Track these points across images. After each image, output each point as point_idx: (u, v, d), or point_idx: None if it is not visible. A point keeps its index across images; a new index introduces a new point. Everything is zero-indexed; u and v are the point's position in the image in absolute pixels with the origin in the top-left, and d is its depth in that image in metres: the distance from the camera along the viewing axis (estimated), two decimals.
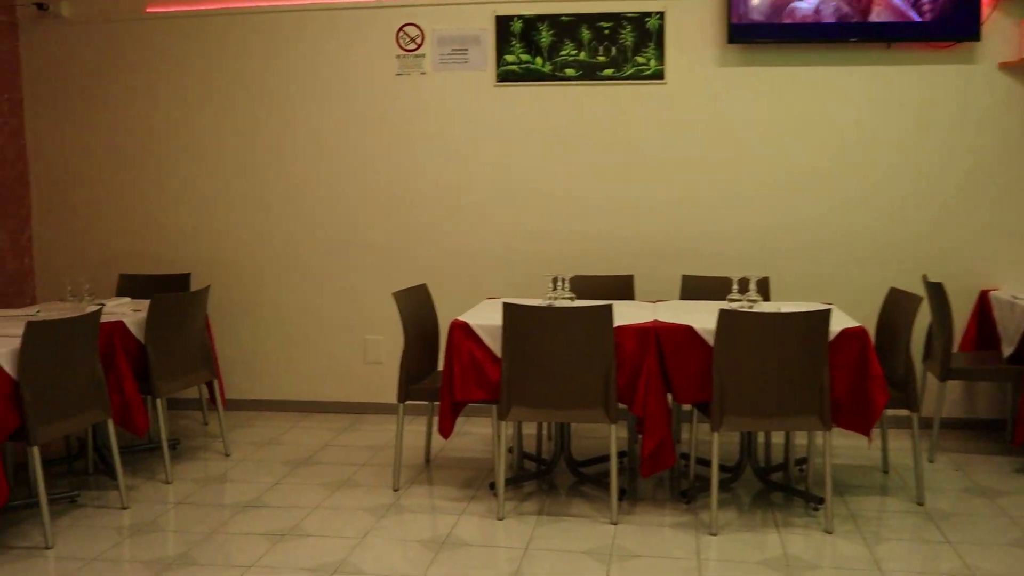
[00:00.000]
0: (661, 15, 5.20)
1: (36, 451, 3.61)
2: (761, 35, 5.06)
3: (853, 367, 3.77)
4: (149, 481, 4.44)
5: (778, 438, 4.85)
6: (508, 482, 4.29)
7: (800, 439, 4.69)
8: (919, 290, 4.87)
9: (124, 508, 4.05)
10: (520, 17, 5.32)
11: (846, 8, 4.95)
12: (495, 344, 3.91)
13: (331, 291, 5.68)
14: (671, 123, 5.29)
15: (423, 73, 5.47)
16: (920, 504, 4.01)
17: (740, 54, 5.19)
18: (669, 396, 3.89)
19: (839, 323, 3.85)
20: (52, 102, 5.82)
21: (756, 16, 5.02)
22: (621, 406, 3.88)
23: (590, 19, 5.26)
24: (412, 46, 5.45)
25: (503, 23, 5.34)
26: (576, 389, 3.82)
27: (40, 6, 5.65)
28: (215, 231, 5.74)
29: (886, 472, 4.46)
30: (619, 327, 3.83)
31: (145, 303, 4.64)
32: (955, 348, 5.02)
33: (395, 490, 4.27)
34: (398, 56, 5.47)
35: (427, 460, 4.74)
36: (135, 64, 5.71)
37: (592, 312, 3.77)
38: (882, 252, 5.19)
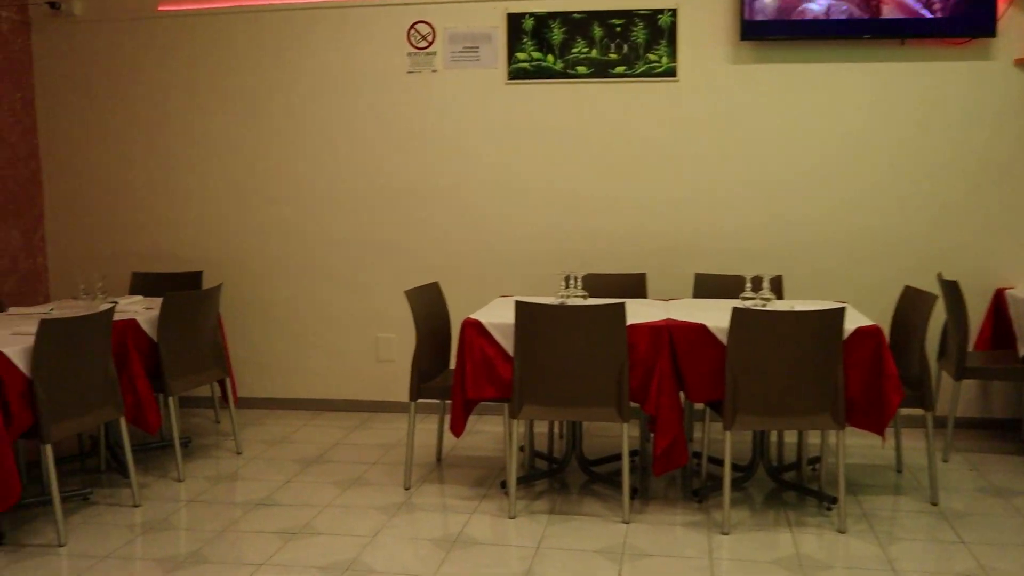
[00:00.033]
0: (673, 12, 5.18)
1: (49, 449, 3.62)
2: (774, 32, 5.04)
3: (867, 366, 3.75)
4: (161, 479, 4.45)
5: (791, 437, 4.83)
6: (520, 481, 4.28)
7: (813, 438, 4.67)
8: (934, 288, 4.85)
9: (136, 506, 4.06)
10: (531, 15, 5.30)
11: (857, 11, 4.91)
12: (507, 342, 3.90)
13: (343, 289, 5.68)
14: (684, 120, 5.27)
15: (434, 71, 5.46)
16: (934, 504, 3.98)
17: (753, 51, 5.17)
18: (681, 395, 3.87)
19: (853, 321, 3.82)
20: (64, 100, 5.84)
21: (769, 13, 4.99)
22: (633, 405, 3.86)
23: (602, 16, 5.25)
24: (423, 44, 5.44)
25: (514, 21, 5.32)
26: (588, 388, 3.81)
27: (52, 4, 5.66)
28: (227, 229, 5.75)
29: (900, 472, 4.44)
30: (632, 325, 3.82)
31: (157, 301, 4.65)
32: (970, 347, 4.99)
33: (406, 488, 4.27)
34: (409, 54, 5.47)
35: (438, 458, 4.73)
36: (147, 62, 5.73)
37: (605, 310, 3.75)
38: (896, 250, 5.16)
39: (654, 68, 5.24)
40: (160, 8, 5.65)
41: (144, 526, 3.82)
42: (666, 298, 4.80)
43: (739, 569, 3.34)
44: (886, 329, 4.01)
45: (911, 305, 4.15)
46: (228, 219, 5.74)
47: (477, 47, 5.38)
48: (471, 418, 5.30)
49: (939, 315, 4.75)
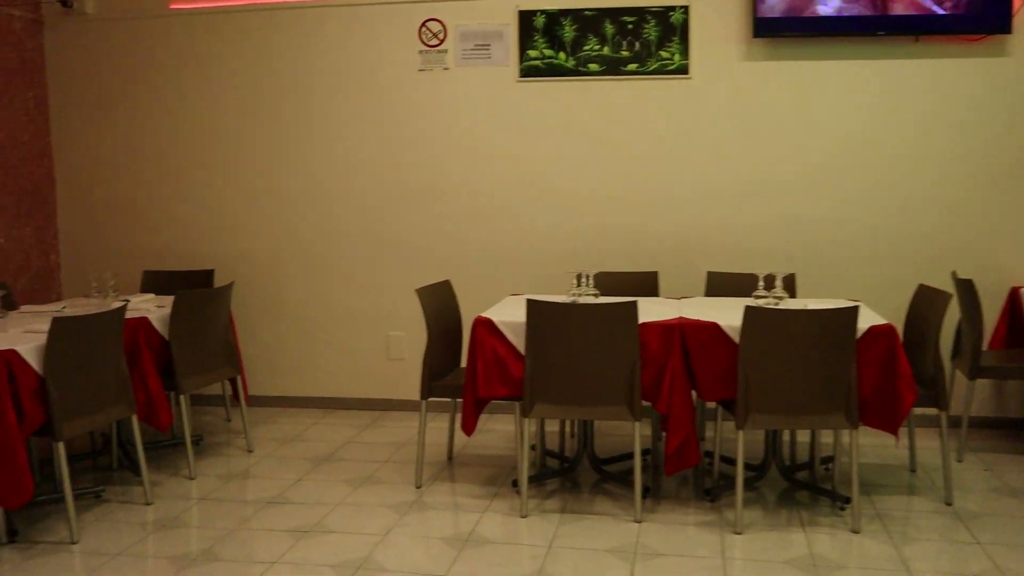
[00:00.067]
0: (685, 9, 5.16)
1: (62, 447, 3.63)
2: (787, 29, 5.01)
3: (881, 365, 3.72)
4: (173, 477, 4.45)
5: (803, 436, 4.81)
6: (531, 480, 4.27)
7: (826, 437, 4.64)
8: (948, 287, 4.81)
9: (148, 504, 4.07)
10: (543, 12, 5.29)
11: (866, 10, 4.88)
12: (519, 341, 3.89)
13: (354, 287, 5.68)
14: (696, 118, 5.24)
15: (446, 69, 5.45)
16: (949, 504, 3.96)
17: (765, 48, 5.14)
18: (694, 393, 3.85)
19: (867, 320, 3.80)
20: (77, 99, 5.86)
21: (781, 10, 4.96)
22: (645, 403, 3.85)
23: (613, 13, 5.23)
24: (435, 41, 5.44)
25: (526, 18, 5.31)
26: (600, 386, 3.80)
27: (64, 3, 5.67)
28: (239, 227, 5.76)
29: (914, 471, 4.41)
30: (644, 324, 3.80)
31: (169, 299, 4.66)
32: (984, 346, 4.95)
33: (418, 487, 4.27)
34: (420, 52, 5.46)
35: (450, 457, 4.73)
36: (159, 60, 5.74)
37: (616, 309, 3.74)
38: (910, 248, 5.12)
39: (666, 65, 5.22)
40: (172, 6, 5.66)
41: (156, 524, 3.83)
42: (678, 296, 4.79)
43: (752, 569, 3.33)
44: (900, 328, 3.98)
45: (925, 304, 4.12)
46: (239, 217, 5.75)
47: (488, 45, 5.37)
48: (482, 417, 5.28)
49: (953, 314, 4.72)
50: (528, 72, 5.35)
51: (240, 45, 5.63)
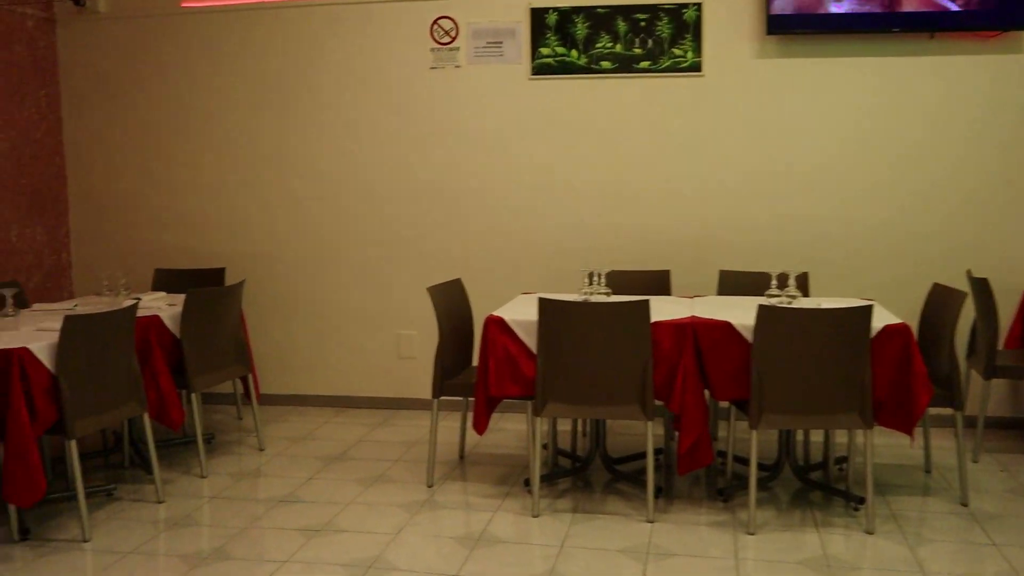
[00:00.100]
0: (698, 6, 5.13)
1: (74, 445, 3.63)
2: (800, 26, 4.97)
3: (895, 364, 3.69)
4: (184, 475, 4.46)
5: (817, 436, 4.78)
6: (543, 479, 4.26)
7: (840, 437, 4.62)
8: (963, 285, 4.78)
9: (160, 502, 4.07)
10: (555, 9, 5.27)
11: (882, 8, 4.85)
12: (530, 339, 3.88)
13: (365, 286, 5.67)
14: (708, 116, 5.21)
15: (457, 67, 5.44)
16: (964, 505, 3.93)
17: (779, 46, 5.11)
18: (706, 393, 3.83)
19: (881, 319, 3.77)
20: (89, 97, 5.87)
21: (795, 7, 4.93)
22: (657, 403, 3.83)
23: (626, 11, 5.20)
24: (446, 39, 5.42)
25: (538, 16, 5.29)
26: (612, 385, 3.78)
27: (77, 2, 5.68)
28: (250, 226, 5.76)
29: (928, 472, 4.37)
30: (656, 323, 3.78)
31: (180, 297, 4.67)
32: (1000, 345, 4.91)
33: (429, 486, 4.26)
34: (432, 49, 5.45)
35: (461, 456, 4.71)
36: (170, 58, 5.74)
37: (629, 307, 3.72)
38: (924, 246, 5.08)
39: (679, 63, 5.19)
40: (184, 4, 5.66)
41: (167, 522, 3.83)
42: (690, 295, 4.76)
43: (765, 570, 3.30)
44: (914, 326, 3.95)
45: (940, 303, 4.09)
46: (251, 216, 5.75)
47: (500, 42, 5.36)
48: (494, 416, 5.28)
49: (968, 313, 4.68)
50: (540, 70, 5.33)
51: (251, 43, 5.63)
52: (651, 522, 3.76)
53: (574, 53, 5.27)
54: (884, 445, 4.78)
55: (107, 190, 5.90)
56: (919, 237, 5.09)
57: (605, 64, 5.25)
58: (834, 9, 4.91)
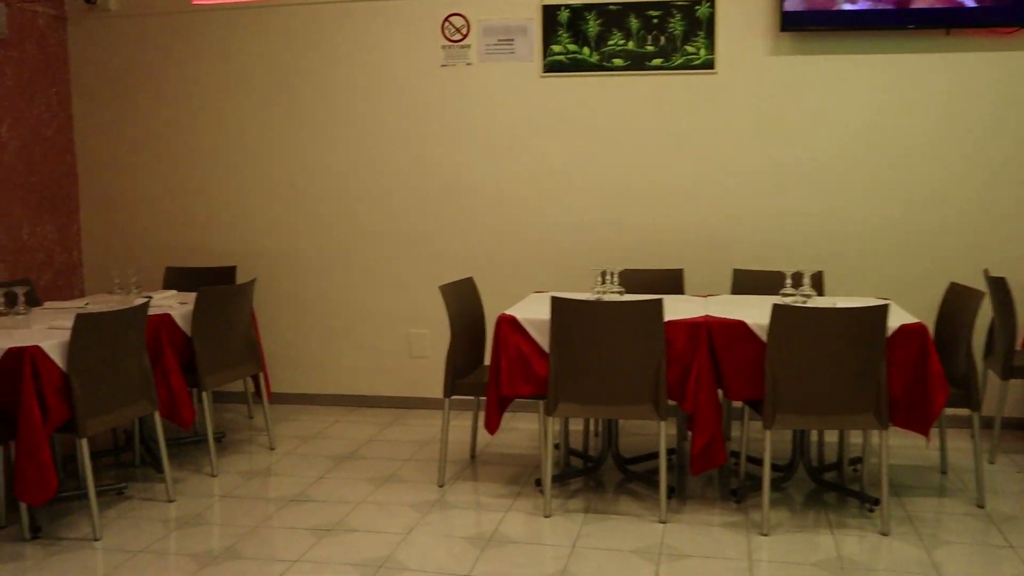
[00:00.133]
0: (711, 3, 5.10)
1: (85, 443, 3.63)
2: (814, 22, 4.93)
3: (911, 364, 3.66)
4: (195, 474, 4.45)
5: (831, 437, 4.74)
6: (555, 479, 4.23)
7: (855, 438, 4.58)
8: (978, 283, 4.73)
9: (170, 501, 4.06)
10: (567, 6, 5.24)
11: (898, 4, 4.82)
12: (543, 338, 3.86)
13: (376, 284, 5.66)
14: (722, 114, 5.18)
15: (469, 64, 5.42)
16: (980, 507, 3.89)
17: (792, 42, 5.07)
18: (720, 392, 3.80)
19: (897, 319, 3.74)
20: (99, 95, 5.87)
21: (808, 3, 4.89)
22: (671, 402, 3.80)
23: (638, 8, 5.17)
24: (457, 37, 5.40)
25: (550, 13, 5.26)
26: (625, 385, 3.75)
27: (88, 0, 5.68)
28: (261, 224, 5.75)
29: (944, 473, 4.33)
30: (669, 322, 3.76)
31: (191, 296, 4.66)
32: (1018, 345, 4.86)
33: (440, 486, 4.24)
34: (443, 47, 5.43)
35: (472, 456, 4.69)
36: (181, 57, 5.74)
37: (642, 306, 3.69)
38: (939, 244, 5.04)
39: (692, 60, 5.16)
40: (194, 2, 5.66)
41: (178, 521, 3.82)
42: (704, 294, 4.73)
43: (779, 571, 3.27)
44: (931, 326, 3.91)
45: (957, 302, 4.05)
46: (262, 214, 5.74)
47: (512, 40, 5.33)
48: (505, 415, 5.27)
49: (986, 312, 4.64)
50: (552, 67, 5.30)
51: (262, 41, 5.62)
52: (664, 523, 3.73)
53: (586, 50, 5.25)
54: (899, 446, 4.74)
55: (118, 188, 5.90)
56: (934, 234, 5.04)
57: (617, 62, 5.22)
58: (848, 5, 4.87)
